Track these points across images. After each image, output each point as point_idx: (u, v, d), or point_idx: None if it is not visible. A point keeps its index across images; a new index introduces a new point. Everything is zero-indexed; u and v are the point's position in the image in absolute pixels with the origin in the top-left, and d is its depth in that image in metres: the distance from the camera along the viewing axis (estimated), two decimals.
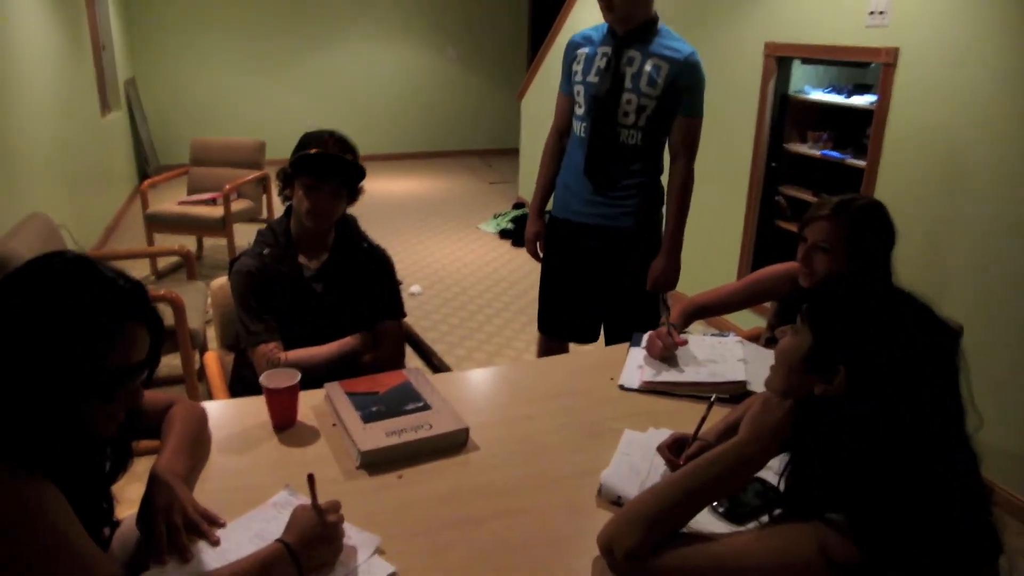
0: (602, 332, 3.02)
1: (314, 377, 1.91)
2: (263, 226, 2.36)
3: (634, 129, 2.65)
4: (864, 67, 4.14)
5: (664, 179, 2.79)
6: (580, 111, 2.73)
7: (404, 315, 2.41)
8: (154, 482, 1.42)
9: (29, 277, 1.16)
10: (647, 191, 2.75)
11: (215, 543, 1.35)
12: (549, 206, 2.99)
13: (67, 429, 1.17)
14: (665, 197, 2.78)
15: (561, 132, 2.89)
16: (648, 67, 2.57)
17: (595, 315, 2.98)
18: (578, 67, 2.71)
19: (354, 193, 2.29)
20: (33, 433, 1.11)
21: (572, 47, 2.78)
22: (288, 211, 2.28)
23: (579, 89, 2.71)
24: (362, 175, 2.26)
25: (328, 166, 2.17)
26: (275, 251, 2.22)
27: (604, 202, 2.75)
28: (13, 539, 1.07)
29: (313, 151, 2.15)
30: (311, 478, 1.36)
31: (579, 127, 2.75)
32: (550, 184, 2.94)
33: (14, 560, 1.07)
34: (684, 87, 2.60)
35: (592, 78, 2.66)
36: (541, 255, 3.01)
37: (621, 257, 2.79)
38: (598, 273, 2.85)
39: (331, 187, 2.18)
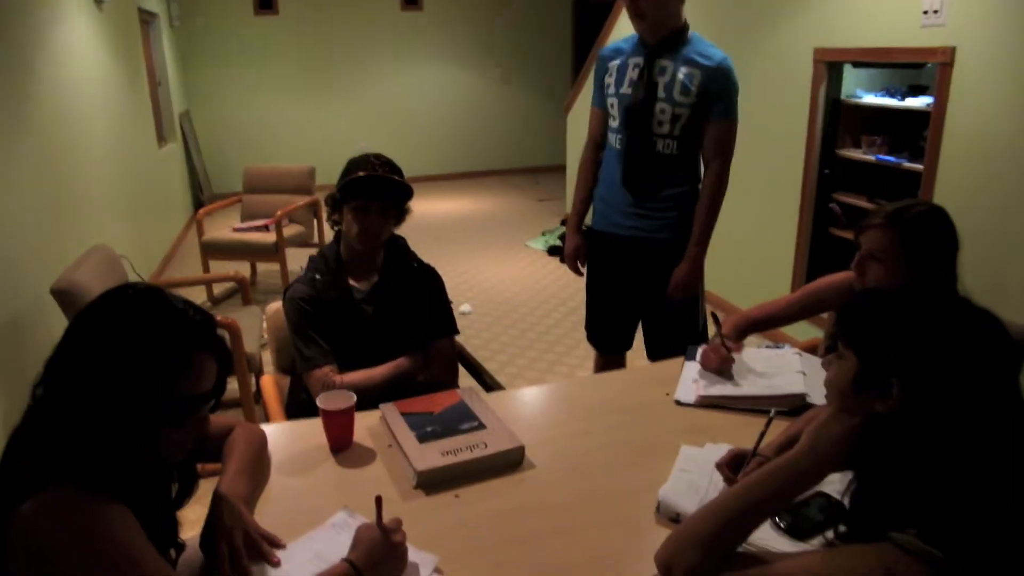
0: (642, 340, 3.00)
1: (369, 398, 1.92)
2: (315, 251, 2.39)
3: (669, 138, 2.63)
4: (919, 68, 4.05)
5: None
6: (615, 123, 2.72)
7: (457, 332, 2.42)
8: (216, 504, 1.44)
9: (104, 309, 1.20)
10: (686, 202, 2.72)
11: (276, 564, 1.37)
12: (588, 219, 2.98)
13: (138, 454, 1.20)
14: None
15: (597, 145, 2.88)
16: (681, 75, 2.56)
17: (634, 325, 2.98)
18: (610, 79, 2.71)
19: (401, 213, 2.31)
20: (106, 458, 1.14)
21: (603, 60, 2.78)
22: (338, 236, 2.31)
23: (612, 101, 2.71)
24: (409, 195, 2.28)
25: (376, 187, 2.19)
26: (326, 276, 2.25)
27: (644, 214, 2.73)
28: (89, 562, 1.09)
29: (361, 174, 2.18)
30: (379, 500, 1.37)
31: (615, 139, 2.74)
32: (589, 198, 2.94)
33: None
34: (716, 93, 2.58)
35: (625, 89, 2.66)
36: (583, 270, 3.00)
37: (660, 268, 2.76)
38: (638, 284, 2.84)
39: (380, 207, 2.21)
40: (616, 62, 2.71)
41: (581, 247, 2.95)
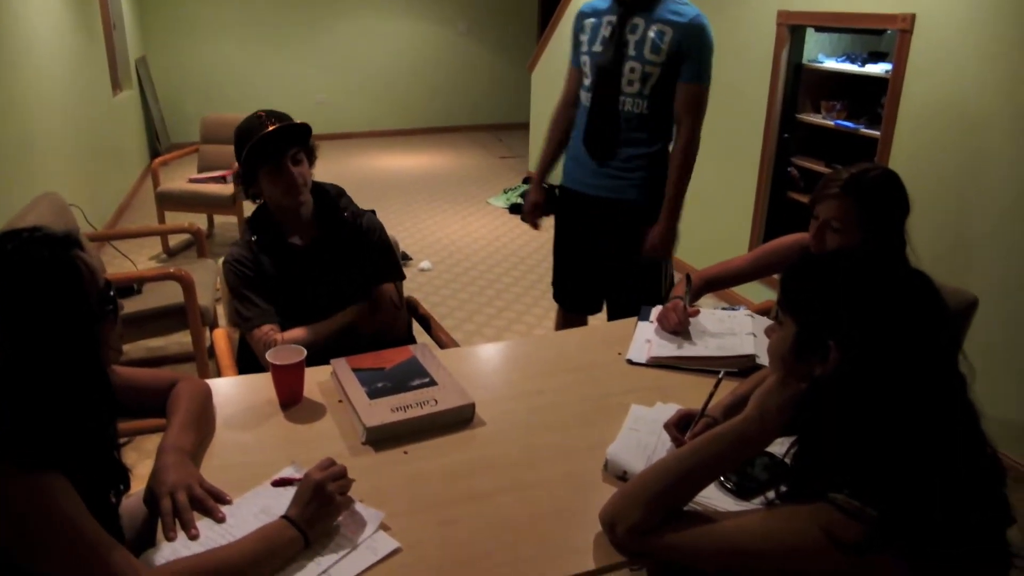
0: (604, 305, 3.01)
1: (317, 354, 1.90)
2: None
3: (639, 97, 2.60)
4: (879, 34, 4.08)
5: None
6: (587, 82, 2.70)
7: (402, 277, 2.41)
8: (161, 458, 1.43)
9: None
10: (655, 162, 2.70)
11: (221, 520, 1.36)
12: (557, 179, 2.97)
13: (87, 381, 1.23)
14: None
15: (568, 103, 2.86)
16: (652, 33, 2.53)
17: (600, 287, 2.98)
18: (584, 37, 2.69)
19: (311, 153, 2.26)
20: (35, 421, 1.13)
21: (580, 17, 2.75)
22: (259, 205, 2.29)
23: (585, 60, 2.68)
24: (310, 132, 2.22)
25: (278, 143, 2.14)
26: (262, 236, 2.23)
27: (611, 174, 2.71)
28: (29, 532, 1.09)
29: (264, 132, 2.11)
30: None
31: (585, 98, 2.72)
32: (553, 154, 2.93)
33: (32, 553, 1.09)
34: (688, 52, 2.54)
35: (597, 48, 2.63)
36: (538, 225, 2.99)
37: (628, 229, 2.75)
38: (605, 245, 2.83)
39: (292, 158, 2.16)
40: (592, 20, 2.67)
41: (540, 203, 2.94)
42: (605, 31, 2.61)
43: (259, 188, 2.21)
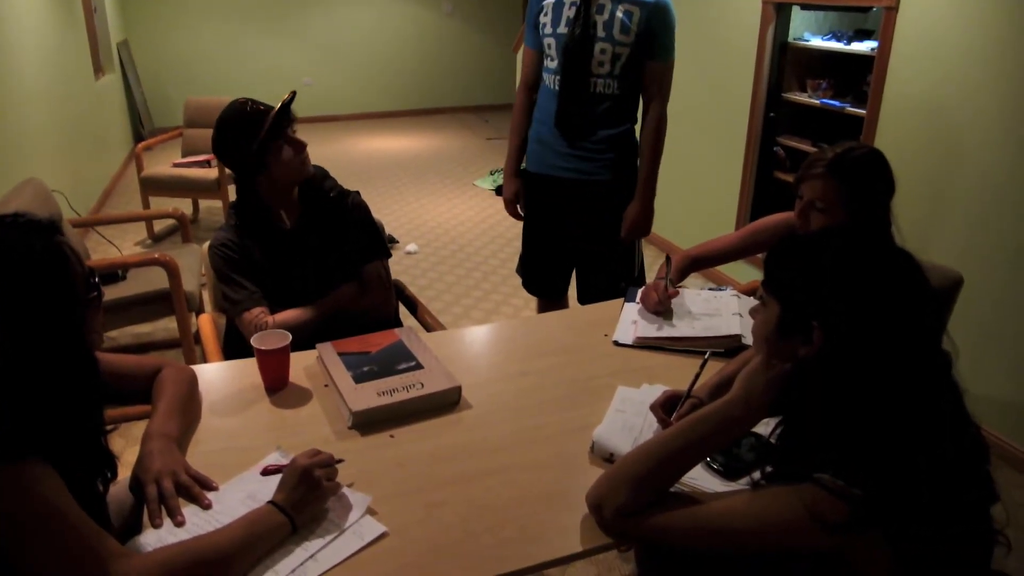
0: (573, 287, 3.00)
1: (306, 336, 1.90)
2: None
3: (609, 78, 2.59)
4: (865, 12, 4.06)
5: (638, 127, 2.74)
6: (552, 64, 2.67)
7: (388, 255, 2.40)
8: (147, 445, 1.42)
9: None
10: (624, 142, 2.70)
11: (207, 507, 1.36)
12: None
13: (73, 368, 1.22)
14: (639, 143, 2.73)
15: (530, 87, 2.83)
16: (620, 13, 2.51)
17: (569, 270, 2.97)
18: (546, 19, 2.65)
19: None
20: (22, 409, 1.11)
21: None
22: (244, 189, 2.22)
23: (550, 42, 2.65)
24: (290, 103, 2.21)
25: (284, 116, 2.13)
26: (247, 220, 2.21)
27: (580, 155, 2.70)
28: (16, 523, 1.07)
29: (276, 110, 2.10)
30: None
31: (551, 80, 2.69)
32: (524, 142, 2.89)
33: (19, 544, 1.08)
34: (657, 31, 2.54)
35: (562, 29, 2.59)
36: (523, 215, 2.96)
37: (599, 210, 2.75)
38: (575, 227, 2.82)
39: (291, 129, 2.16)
40: (551, 1, 2.64)
41: (520, 191, 2.91)
42: (569, 12, 2.58)
43: (266, 168, 2.13)
